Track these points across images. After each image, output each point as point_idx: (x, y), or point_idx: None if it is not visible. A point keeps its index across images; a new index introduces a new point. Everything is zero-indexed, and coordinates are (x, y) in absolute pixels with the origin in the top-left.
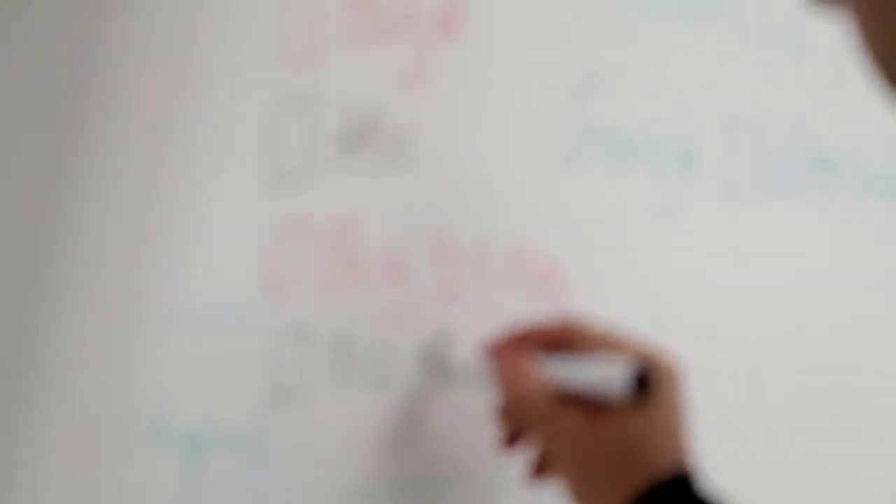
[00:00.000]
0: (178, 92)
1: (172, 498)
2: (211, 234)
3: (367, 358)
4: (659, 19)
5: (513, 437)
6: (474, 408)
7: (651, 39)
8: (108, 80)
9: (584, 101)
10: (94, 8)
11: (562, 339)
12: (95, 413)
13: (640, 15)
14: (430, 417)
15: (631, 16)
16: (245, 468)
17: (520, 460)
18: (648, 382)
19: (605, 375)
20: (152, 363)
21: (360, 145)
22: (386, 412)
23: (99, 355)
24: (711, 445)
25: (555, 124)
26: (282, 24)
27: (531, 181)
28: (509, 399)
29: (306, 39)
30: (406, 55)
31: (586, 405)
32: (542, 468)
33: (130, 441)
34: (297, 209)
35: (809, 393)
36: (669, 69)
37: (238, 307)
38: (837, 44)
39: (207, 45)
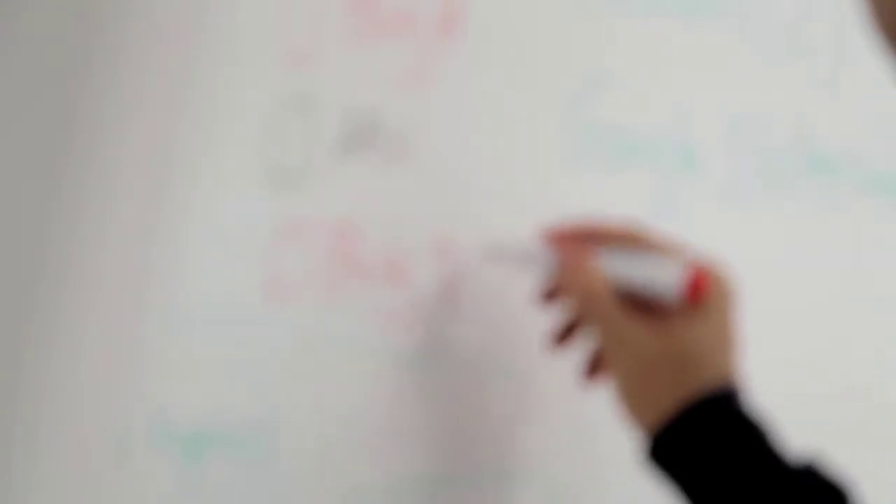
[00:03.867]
0: (179, 92)
1: (172, 498)
2: (211, 234)
3: (367, 358)
4: (660, 19)
5: (565, 332)
6: (476, 406)
7: (652, 39)
8: (109, 79)
9: (584, 100)
10: (95, 8)
11: (622, 240)
12: (95, 412)
13: (641, 15)
14: (431, 417)
15: (632, 16)
16: (245, 468)
17: (519, 463)
18: (702, 290)
19: (659, 274)
20: (152, 363)
21: (360, 145)
22: (387, 412)
23: (98, 355)
24: None
25: (555, 124)
26: (283, 24)
27: (531, 181)
28: (573, 292)
29: (307, 39)
30: (406, 55)
31: (640, 307)
32: (594, 368)
33: (130, 440)
34: (297, 209)
35: (808, 392)
36: (670, 69)
37: (238, 307)
38: (837, 44)
39: (208, 45)
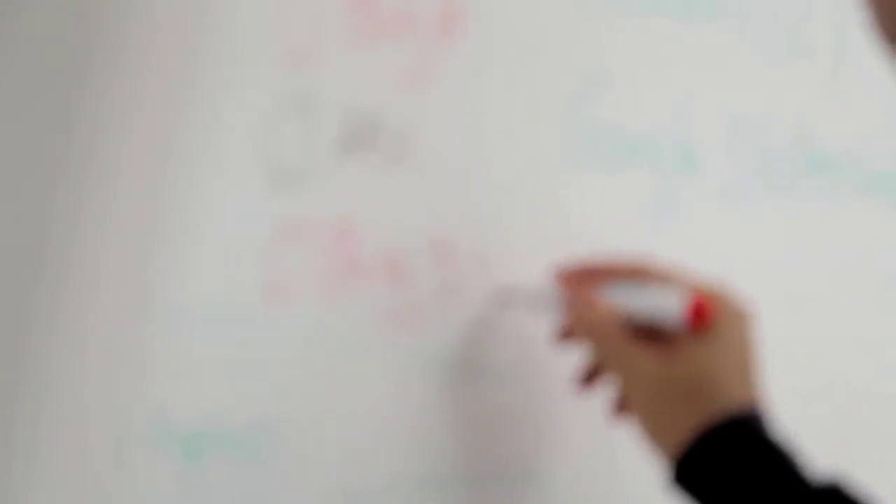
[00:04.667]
0: (179, 92)
1: (172, 498)
2: (211, 234)
3: (366, 358)
4: (660, 19)
5: (589, 374)
6: (477, 406)
7: (652, 40)
8: (109, 79)
9: (584, 100)
10: (95, 8)
11: (627, 274)
12: (95, 412)
13: (641, 15)
14: (432, 417)
15: (632, 16)
16: (245, 468)
17: (515, 464)
18: (705, 316)
19: (661, 304)
20: (152, 363)
21: (360, 145)
22: (387, 412)
23: (98, 355)
24: None
25: (555, 124)
26: (283, 24)
27: (531, 181)
28: (582, 329)
29: (307, 39)
30: (406, 55)
31: (651, 338)
32: (620, 406)
33: (130, 440)
34: (297, 209)
35: (807, 392)
36: (670, 69)
37: (238, 307)
38: (837, 44)
39: (208, 45)
